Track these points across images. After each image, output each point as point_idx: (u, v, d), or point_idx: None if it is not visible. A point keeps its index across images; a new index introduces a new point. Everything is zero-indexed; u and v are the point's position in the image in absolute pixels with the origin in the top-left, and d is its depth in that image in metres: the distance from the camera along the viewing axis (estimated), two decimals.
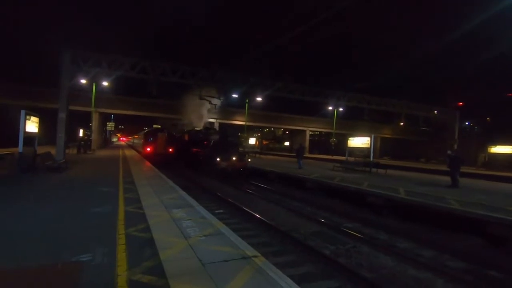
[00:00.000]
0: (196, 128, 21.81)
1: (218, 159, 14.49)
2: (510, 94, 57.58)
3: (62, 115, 16.43)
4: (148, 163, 16.33)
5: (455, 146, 29.83)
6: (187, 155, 19.72)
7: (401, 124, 47.31)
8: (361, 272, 4.78)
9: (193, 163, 18.32)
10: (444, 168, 16.41)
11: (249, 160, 16.37)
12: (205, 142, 17.17)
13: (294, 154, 20.62)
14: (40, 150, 12.29)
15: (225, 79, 21.54)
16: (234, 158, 15.11)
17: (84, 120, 29.68)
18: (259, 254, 3.56)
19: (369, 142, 16.58)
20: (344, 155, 19.82)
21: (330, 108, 33.50)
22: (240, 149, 18.10)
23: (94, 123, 30.69)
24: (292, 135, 59.42)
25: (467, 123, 55.43)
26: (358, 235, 6.69)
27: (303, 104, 33.41)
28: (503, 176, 17.35)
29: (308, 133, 49.56)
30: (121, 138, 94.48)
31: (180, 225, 4.66)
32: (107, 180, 9.33)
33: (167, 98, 35.49)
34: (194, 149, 18.32)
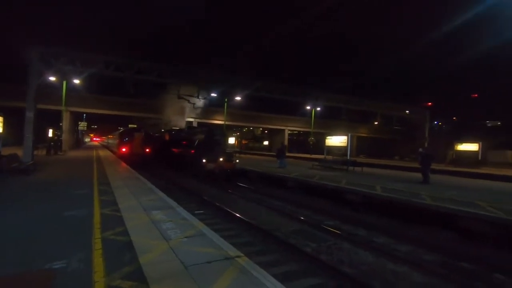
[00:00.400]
0: (177, 127, 21.23)
1: (204, 160, 13.60)
2: (474, 95, 61.41)
3: (29, 115, 15.45)
4: (124, 164, 15.76)
5: (426, 144, 31.31)
6: (169, 155, 18.77)
7: (376, 123, 49.22)
8: (343, 269, 4.86)
9: (176, 165, 17.44)
10: (417, 165, 17.19)
11: (237, 161, 15.28)
12: (189, 142, 16.27)
13: (275, 154, 20.63)
14: (6, 151, 11.51)
15: (205, 78, 21.24)
16: (221, 159, 14.23)
17: (54, 119, 28.18)
18: (242, 254, 3.51)
19: (346, 141, 17.01)
20: (322, 154, 20.19)
21: (309, 107, 34.06)
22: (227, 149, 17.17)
23: (65, 123, 29.16)
24: (271, 135, 59.81)
25: (435, 122, 58.44)
26: (338, 232, 6.82)
27: (283, 104, 33.72)
28: (469, 172, 18.43)
29: (287, 132, 50.06)
30: (95, 138, 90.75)
31: (160, 227, 4.51)
32: (80, 182, 8.89)
33: (145, 97, 34.52)
34: (177, 150, 17.48)
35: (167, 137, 20.34)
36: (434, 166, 13.33)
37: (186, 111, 23.15)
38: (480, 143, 24.06)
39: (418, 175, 12.81)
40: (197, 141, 15.40)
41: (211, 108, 38.56)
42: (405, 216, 7.88)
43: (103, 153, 26.90)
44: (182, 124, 21.61)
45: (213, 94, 24.18)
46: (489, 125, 57.06)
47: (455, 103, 57.35)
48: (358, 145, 52.24)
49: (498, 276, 4.86)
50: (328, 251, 5.74)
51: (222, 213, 8.25)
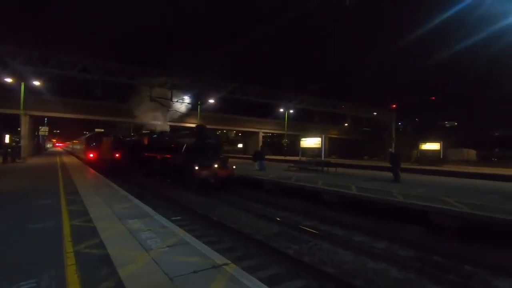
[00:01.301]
0: (157, 130, 19.56)
1: (196, 168, 11.66)
2: (433, 98, 65.90)
3: None
4: (92, 171, 14.91)
5: (393, 145, 32.99)
6: (148, 162, 17.01)
7: (346, 125, 51.13)
8: (325, 269, 4.92)
9: (159, 172, 15.67)
10: (385, 164, 18.02)
11: (234, 167, 13.48)
12: (175, 146, 14.36)
13: (251, 156, 20.51)
14: None
15: (178, 80, 20.77)
16: (216, 166, 12.44)
17: (12, 124, 26.03)
18: (229, 262, 3.42)
19: (320, 142, 17.42)
20: (295, 155, 20.50)
21: (282, 110, 34.55)
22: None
23: (24, 128, 27.09)
24: (245, 137, 59.86)
25: (399, 123, 62.00)
26: (318, 232, 6.92)
27: (257, 106, 33.98)
28: (433, 170, 19.68)
29: (261, 135, 50.39)
30: (57, 144, 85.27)
31: (138, 237, 4.28)
32: (44, 191, 8.24)
33: (112, 99, 33.02)
34: (159, 155, 15.64)
35: (145, 141, 18.51)
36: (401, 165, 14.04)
37: (168, 113, 21.84)
38: (441, 142, 25.81)
39: (388, 174, 13.41)
40: (185, 145, 13.43)
41: (181, 112, 37.79)
42: (379, 214, 8.19)
43: (68, 159, 25.29)
44: (166, 127, 20.24)
45: (186, 97, 23.72)
46: (447, 125, 61.50)
47: (416, 105, 61.12)
48: (329, 146, 53.83)
49: (468, 268, 5.17)
50: (310, 252, 5.79)
51: (200, 219, 8.05)
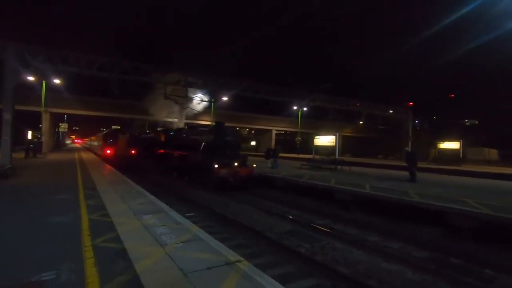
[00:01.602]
0: (173, 127, 20.06)
1: (215, 166, 11.28)
2: (452, 95, 63.75)
3: (7, 116, 14.75)
4: (109, 167, 15.31)
5: (410, 143, 32.20)
6: (165, 159, 16.84)
7: (361, 123, 50.23)
8: (338, 268, 4.88)
9: (177, 170, 15.51)
10: (401, 163, 17.61)
11: (254, 165, 12.93)
12: (193, 144, 14.00)
13: (263, 154, 20.48)
14: None
15: (192, 78, 20.97)
16: (236, 164, 11.99)
17: (33, 121, 27.05)
18: (242, 259, 3.44)
19: (334, 140, 17.22)
20: (308, 153, 20.34)
21: (296, 107, 34.31)
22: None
23: (45, 124, 28.09)
24: (258, 135, 59.86)
25: (416, 121, 60.36)
26: (331, 231, 6.86)
27: (270, 104, 33.88)
28: (452, 169, 19.08)
29: (274, 133, 50.28)
30: (76, 140, 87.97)
31: (153, 232, 4.37)
32: (63, 186, 8.53)
33: (129, 98, 33.76)
34: (177, 153, 15.40)
35: (162, 138, 18.31)
36: (418, 164, 13.69)
37: (184, 110, 21.97)
38: (461, 141, 24.97)
39: (404, 173, 13.12)
40: (204, 142, 13.10)
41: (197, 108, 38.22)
42: (394, 214, 8.03)
43: (86, 155, 26.07)
44: (181, 125, 20.39)
45: (199, 95, 23.94)
46: (467, 124, 59.39)
47: (434, 103, 59.33)
48: (343, 144, 53.08)
49: (488, 271, 5.00)
50: (323, 251, 5.75)
51: (212, 215, 8.13)
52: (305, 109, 35.51)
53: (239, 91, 23.50)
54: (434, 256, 5.71)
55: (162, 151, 17.68)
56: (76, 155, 25.73)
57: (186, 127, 18.08)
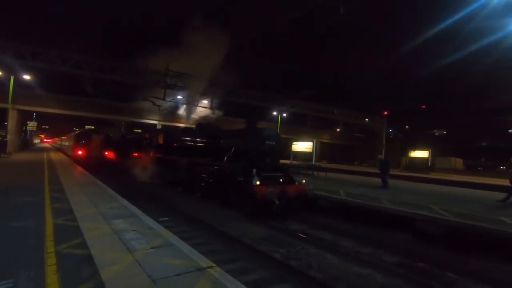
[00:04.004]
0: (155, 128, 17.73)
1: (257, 183, 8.01)
2: (423, 106, 67.15)
3: None
4: (80, 168, 14.64)
5: (383, 151, 33.46)
6: (167, 167, 13.30)
7: (338, 130, 51.59)
8: (312, 273, 4.94)
9: (186, 183, 11.82)
10: (375, 170, 18.23)
11: (304, 181, 9.42)
12: (215, 148, 10.73)
13: None
14: None
15: (172, 80, 20.65)
16: (281, 180, 8.93)
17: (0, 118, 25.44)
18: (214, 265, 3.39)
19: (311, 146, 17.56)
20: (286, 159, 20.60)
21: (275, 113, 34.67)
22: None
23: (11, 122, 26.48)
24: None
25: (391, 130, 62.95)
26: (306, 237, 6.94)
27: (249, 109, 33.97)
28: (421, 177, 20.01)
29: None
30: (46, 140, 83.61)
31: (123, 237, 4.21)
32: (28, 188, 8.04)
33: (105, 97, 32.58)
34: (186, 160, 11.88)
35: (161, 140, 14.58)
36: (390, 171, 14.25)
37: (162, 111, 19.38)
38: (430, 150, 26.29)
39: (377, 180, 13.58)
40: (232, 148, 9.63)
41: (176, 110, 37.64)
42: (367, 219, 8.26)
43: (56, 156, 24.81)
44: (159, 126, 18.46)
45: (179, 97, 23.57)
46: (436, 134, 62.70)
47: (407, 113, 62.22)
48: (321, 151, 54.17)
49: (450, 275, 5.26)
50: (297, 257, 5.80)
51: (187, 220, 7.98)
52: (284, 115, 36.00)
53: (220, 95, 23.43)
54: (403, 260, 5.92)
55: (159, 156, 14.25)
56: (45, 155, 24.41)
57: (194, 127, 13.89)
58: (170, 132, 15.55)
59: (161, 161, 13.87)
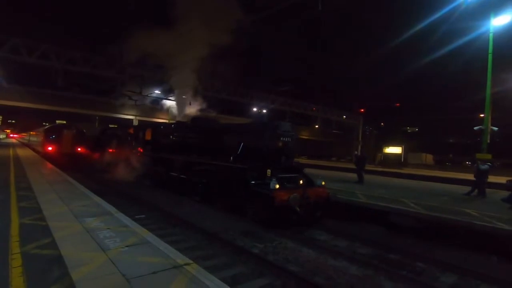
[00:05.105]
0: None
1: (276, 186, 6.92)
2: (398, 104, 69.85)
3: None
4: (51, 166, 13.92)
5: (360, 147, 34.50)
6: (156, 166, 12.18)
7: (317, 126, 52.55)
8: (289, 267, 5.01)
9: (180, 185, 10.55)
10: (352, 166, 18.77)
11: (323, 183, 8.30)
12: (220, 144, 9.48)
13: None
14: None
15: (148, 74, 20.06)
16: (301, 182, 7.95)
17: None
18: (191, 262, 3.35)
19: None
20: None
21: (255, 109, 34.71)
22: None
23: None
24: None
25: (366, 127, 65.09)
26: (284, 231, 7.02)
27: (230, 104, 33.80)
28: (394, 172, 20.85)
29: None
30: (12, 135, 78.74)
31: (96, 236, 4.06)
32: None
33: (78, 91, 31.01)
34: (180, 158, 10.67)
35: (148, 136, 13.36)
36: (365, 167, 14.73)
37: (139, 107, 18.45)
38: (403, 146, 27.42)
39: (354, 175, 13.98)
40: (241, 144, 8.35)
41: (153, 105, 36.65)
42: (343, 214, 8.49)
43: (23, 152, 23.42)
44: (135, 122, 17.48)
45: (157, 91, 22.98)
46: (409, 131, 65.53)
47: (383, 111, 64.51)
48: (299, 147, 54.99)
49: (419, 265, 5.55)
50: (275, 251, 5.86)
51: (165, 217, 7.83)
52: (264, 111, 36.13)
53: (198, 90, 23.06)
54: (376, 252, 6.16)
55: (147, 153, 13.14)
56: (11, 151, 22.98)
57: (189, 121, 12.58)
58: (160, 127, 14.33)
59: (149, 159, 12.68)
